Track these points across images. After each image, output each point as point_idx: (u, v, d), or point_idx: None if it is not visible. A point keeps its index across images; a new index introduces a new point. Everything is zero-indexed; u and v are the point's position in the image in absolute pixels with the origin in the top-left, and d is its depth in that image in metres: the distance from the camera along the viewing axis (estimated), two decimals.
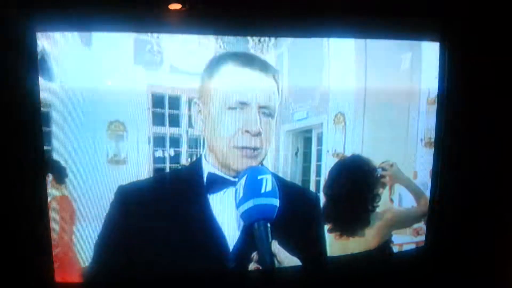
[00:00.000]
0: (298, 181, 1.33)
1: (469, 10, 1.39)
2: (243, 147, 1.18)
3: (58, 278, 1.20)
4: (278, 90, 1.22)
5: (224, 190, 1.20)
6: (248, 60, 1.20)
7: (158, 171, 1.22)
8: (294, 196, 1.27)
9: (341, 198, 1.23)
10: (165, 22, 1.21)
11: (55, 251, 1.20)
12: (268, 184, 1.13)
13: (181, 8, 1.21)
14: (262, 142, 1.19)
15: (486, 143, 1.46)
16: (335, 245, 1.18)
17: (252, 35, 1.23)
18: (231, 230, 1.21)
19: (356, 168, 1.26)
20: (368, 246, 1.20)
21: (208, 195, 1.21)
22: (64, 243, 1.20)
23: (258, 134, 1.17)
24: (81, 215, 1.19)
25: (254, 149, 1.18)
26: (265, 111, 1.18)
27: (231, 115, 1.16)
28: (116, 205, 1.17)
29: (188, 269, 1.24)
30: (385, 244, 1.20)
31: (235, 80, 1.18)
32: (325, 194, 1.27)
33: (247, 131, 1.16)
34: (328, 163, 1.34)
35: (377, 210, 1.21)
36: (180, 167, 1.23)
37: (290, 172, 1.31)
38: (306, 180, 1.34)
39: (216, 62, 1.18)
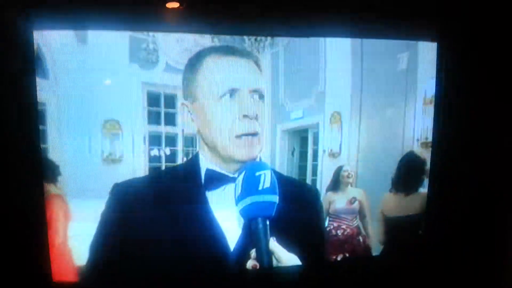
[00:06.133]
0: None
1: (467, 10, 1.39)
2: (244, 134, 1.16)
3: (55, 277, 1.20)
4: (261, 74, 1.21)
5: (223, 186, 1.19)
6: (228, 49, 1.20)
7: (154, 170, 1.22)
8: (294, 191, 1.26)
9: (407, 170, 1.47)
10: (162, 21, 1.21)
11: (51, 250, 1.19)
12: (266, 180, 1.10)
13: (179, 6, 1.20)
14: (260, 126, 1.18)
15: (483, 143, 1.46)
16: (401, 203, 1.50)
17: (248, 34, 1.23)
18: (231, 227, 1.20)
19: (420, 157, 1.47)
20: (416, 208, 1.51)
21: (207, 192, 1.20)
22: (58, 242, 1.20)
23: (256, 117, 1.17)
24: (75, 214, 1.19)
25: (254, 134, 1.17)
26: (256, 94, 1.17)
27: (225, 104, 1.15)
28: (112, 204, 1.16)
29: (186, 267, 1.24)
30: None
31: (221, 68, 1.17)
32: (398, 166, 1.45)
33: (245, 116, 1.15)
34: (324, 162, 1.34)
35: (421, 188, 1.52)
36: (176, 165, 1.23)
37: (286, 171, 1.31)
38: (302, 180, 1.34)
39: (197, 58, 1.17)
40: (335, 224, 1.43)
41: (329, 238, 1.42)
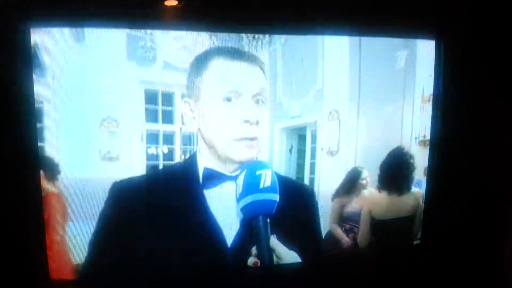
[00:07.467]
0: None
1: (465, 8, 1.39)
2: (243, 138, 1.16)
3: (53, 275, 1.20)
4: (266, 80, 1.22)
5: (221, 185, 1.19)
6: (235, 52, 1.20)
7: (152, 168, 1.22)
8: (293, 191, 1.26)
9: (394, 172, 1.45)
10: (159, 18, 1.21)
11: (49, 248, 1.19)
12: (267, 179, 1.12)
13: (176, 4, 1.21)
14: (260, 131, 1.19)
15: (481, 141, 1.46)
16: (391, 203, 1.47)
17: (246, 32, 1.23)
18: (229, 225, 1.20)
19: (405, 155, 1.46)
20: (408, 209, 1.50)
21: (204, 190, 1.20)
22: (56, 240, 1.20)
23: (257, 123, 1.17)
24: (73, 212, 1.19)
25: (253, 138, 1.17)
26: (259, 99, 1.17)
27: (227, 107, 1.15)
28: (111, 202, 1.16)
29: (185, 265, 1.24)
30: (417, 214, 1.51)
31: (226, 71, 1.17)
32: (381, 168, 1.42)
33: (246, 121, 1.15)
34: (322, 160, 1.34)
35: (412, 188, 1.49)
36: (174, 164, 1.23)
37: (284, 169, 1.31)
38: (300, 178, 1.34)
39: (203, 58, 1.17)
40: (347, 227, 1.43)
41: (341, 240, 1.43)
